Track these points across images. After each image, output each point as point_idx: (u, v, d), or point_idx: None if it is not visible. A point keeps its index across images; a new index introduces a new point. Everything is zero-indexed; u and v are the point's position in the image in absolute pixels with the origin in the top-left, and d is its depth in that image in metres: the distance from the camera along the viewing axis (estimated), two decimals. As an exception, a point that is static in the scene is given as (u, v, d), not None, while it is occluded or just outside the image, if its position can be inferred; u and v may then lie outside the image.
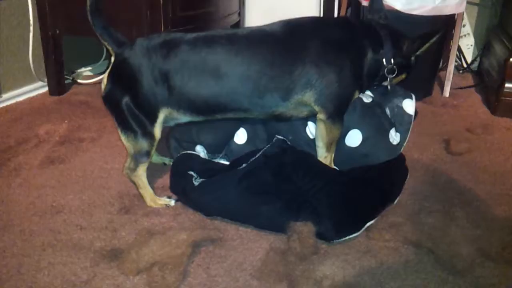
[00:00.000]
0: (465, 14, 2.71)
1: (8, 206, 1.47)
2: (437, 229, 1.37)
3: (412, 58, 1.58)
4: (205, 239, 1.30)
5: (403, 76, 1.62)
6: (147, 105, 1.39)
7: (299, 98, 1.44)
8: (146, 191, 1.49)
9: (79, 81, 2.67)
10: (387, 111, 1.65)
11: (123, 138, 1.45)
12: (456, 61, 2.90)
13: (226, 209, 1.40)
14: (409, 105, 1.65)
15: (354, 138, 1.56)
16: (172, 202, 1.49)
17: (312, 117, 1.53)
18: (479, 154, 1.88)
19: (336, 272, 1.19)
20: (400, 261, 1.25)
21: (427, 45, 1.54)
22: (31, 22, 2.31)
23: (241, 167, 1.43)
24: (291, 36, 1.45)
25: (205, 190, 1.42)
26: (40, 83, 2.49)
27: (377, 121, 1.59)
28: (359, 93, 1.57)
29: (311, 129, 1.57)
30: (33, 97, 2.44)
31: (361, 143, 1.56)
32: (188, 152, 1.60)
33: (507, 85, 2.25)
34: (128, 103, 1.39)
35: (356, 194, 1.41)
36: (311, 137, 1.57)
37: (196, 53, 1.39)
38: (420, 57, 1.59)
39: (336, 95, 1.45)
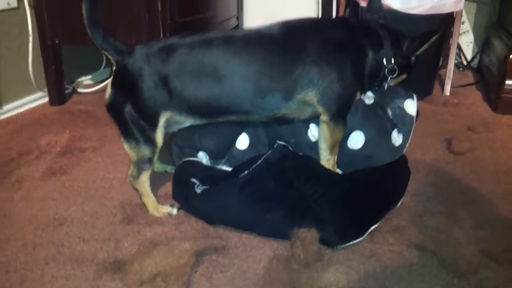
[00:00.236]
0: (464, 11, 2.71)
1: (11, 219, 1.47)
2: (441, 231, 1.36)
3: (412, 58, 1.57)
4: (208, 248, 1.30)
5: (404, 76, 1.61)
6: (148, 109, 1.40)
7: (301, 98, 1.43)
8: (149, 199, 1.49)
9: (79, 90, 2.67)
10: (389, 112, 1.64)
11: (125, 145, 1.45)
12: (456, 59, 2.89)
13: (229, 217, 1.39)
14: (410, 106, 1.64)
15: (356, 140, 1.55)
16: (175, 211, 1.48)
17: (315, 118, 1.52)
18: (481, 152, 1.87)
19: (340, 278, 1.19)
20: (404, 265, 1.24)
21: (426, 45, 1.54)
22: (30, 32, 2.31)
23: (243, 174, 1.43)
24: (290, 36, 1.45)
25: (208, 198, 1.41)
26: (40, 94, 2.49)
27: (379, 123, 1.58)
28: (361, 94, 1.56)
29: (313, 131, 1.57)
30: (33, 107, 2.44)
31: (363, 145, 1.55)
32: (190, 159, 1.60)
33: (507, 82, 2.24)
34: (130, 109, 1.39)
35: (359, 198, 1.40)
36: (313, 140, 1.57)
37: (194, 55, 1.39)
38: (420, 57, 1.59)
39: (338, 95, 1.45)
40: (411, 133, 1.63)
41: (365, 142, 1.55)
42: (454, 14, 2.44)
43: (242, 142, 1.61)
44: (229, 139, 1.63)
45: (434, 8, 2.20)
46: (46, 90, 2.46)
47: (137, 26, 2.10)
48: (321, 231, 1.29)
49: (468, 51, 3.09)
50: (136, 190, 1.50)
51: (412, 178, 1.61)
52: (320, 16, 2.98)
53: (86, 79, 2.80)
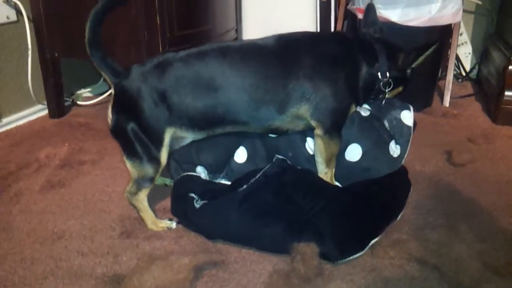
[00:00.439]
0: (461, 22, 2.72)
1: (9, 233, 1.46)
2: (442, 245, 1.35)
3: (408, 71, 1.57)
4: (208, 262, 1.29)
5: (400, 89, 1.61)
6: (152, 128, 1.40)
7: (294, 112, 1.44)
8: (147, 214, 1.48)
9: (78, 102, 2.68)
10: (386, 123, 1.64)
11: (128, 164, 1.44)
12: (454, 70, 2.90)
13: (228, 231, 1.38)
14: (407, 117, 1.64)
15: (353, 153, 1.55)
16: (174, 225, 1.47)
17: (310, 131, 1.52)
18: (481, 164, 1.87)
19: (341, 293, 1.18)
20: (405, 279, 1.23)
21: (422, 57, 1.53)
22: (30, 45, 2.32)
23: (241, 188, 1.42)
24: (284, 50, 1.45)
25: (206, 212, 1.40)
26: (39, 106, 2.49)
27: (376, 134, 1.58)
28: (356, 107, 1.56)
29: (310, 144, 1.56)
30: (33, 120, 2.44)
31: (361, 157, 1.55)
32: (189, 173, 1.59)
33: (507, 93, 2.24)
34: (134, 129, 1.39)
35: (359, 212, 1.39)
36: (311, 152, 1.56)
37: (189, 68, 1.40)
38: (416, 69, 1.59)
39: (331, 109, 1.45)
40: (409, 144, 1.63)
41: (363, 154, 1.55)
42: (452, 25, 2.45)
43: (240, 155, 1.61)
44: (227, 153, 1.63)
45: (432, 20, 2.21)
46: (45, 102, 2.46)
47: (137, 40, 2.10)
48: (321, 245, 1.28)
49: (467, 62, 3.09)
50: (134, 206, 1.49)
51: (413, 190, 1.60)
52: (318, 28, 2.99)
53: (85, 92, 2.81)
